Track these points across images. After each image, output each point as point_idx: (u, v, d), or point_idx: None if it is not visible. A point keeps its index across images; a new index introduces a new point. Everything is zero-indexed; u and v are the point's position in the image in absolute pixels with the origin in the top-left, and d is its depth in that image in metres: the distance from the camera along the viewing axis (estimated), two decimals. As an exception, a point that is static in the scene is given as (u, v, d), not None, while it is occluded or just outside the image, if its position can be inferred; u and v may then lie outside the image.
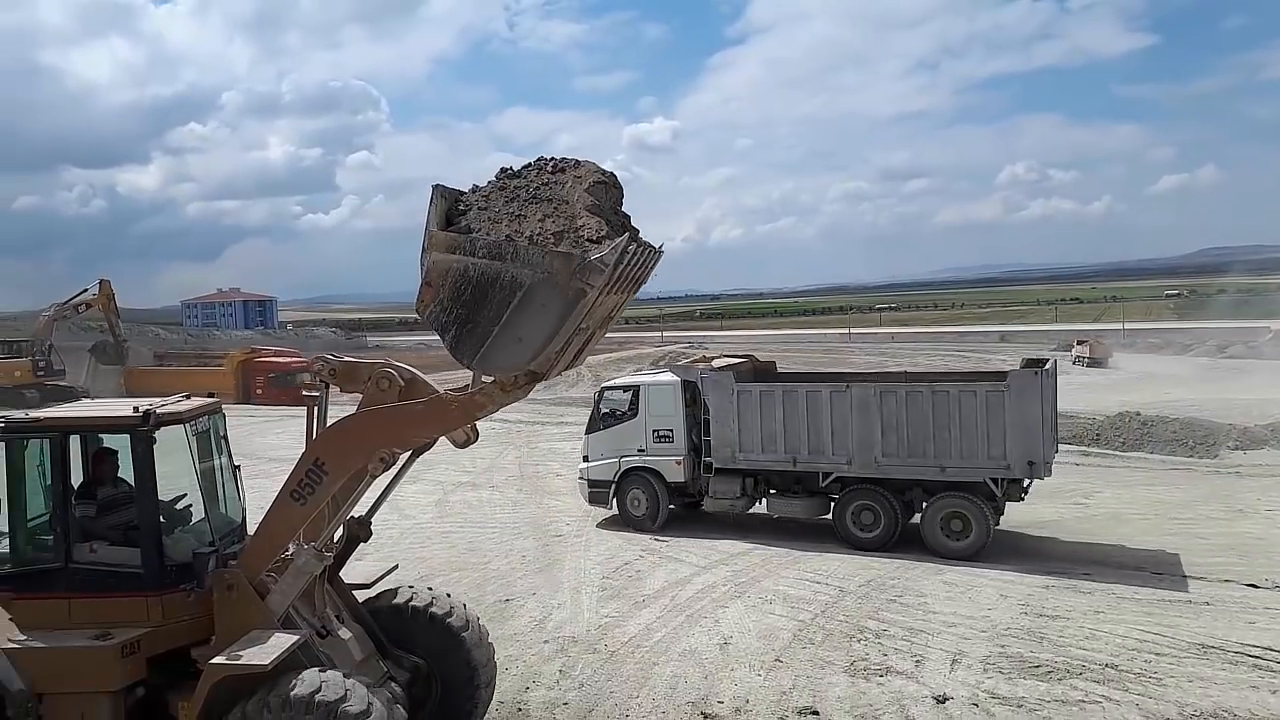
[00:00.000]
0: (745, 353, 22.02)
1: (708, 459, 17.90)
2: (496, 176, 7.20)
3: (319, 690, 6.89)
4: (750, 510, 18.50)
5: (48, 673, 7.39)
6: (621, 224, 7.03)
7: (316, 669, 7.23)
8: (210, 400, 8.62)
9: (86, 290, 45.54)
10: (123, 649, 7.47)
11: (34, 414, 8.31)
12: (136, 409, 7.74)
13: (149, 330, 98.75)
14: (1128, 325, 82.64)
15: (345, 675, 7.25)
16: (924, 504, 16.48)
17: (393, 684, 8.28)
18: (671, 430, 18.27)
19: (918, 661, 11.28)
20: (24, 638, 7.57)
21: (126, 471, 8.07)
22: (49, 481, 7.91)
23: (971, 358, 65.85)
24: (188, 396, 8.57)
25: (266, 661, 6.96)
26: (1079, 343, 62.94)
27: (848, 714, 9.94)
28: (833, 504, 17.24)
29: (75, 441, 8.09)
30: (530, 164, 7.25)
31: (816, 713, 9.98)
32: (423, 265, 6.72)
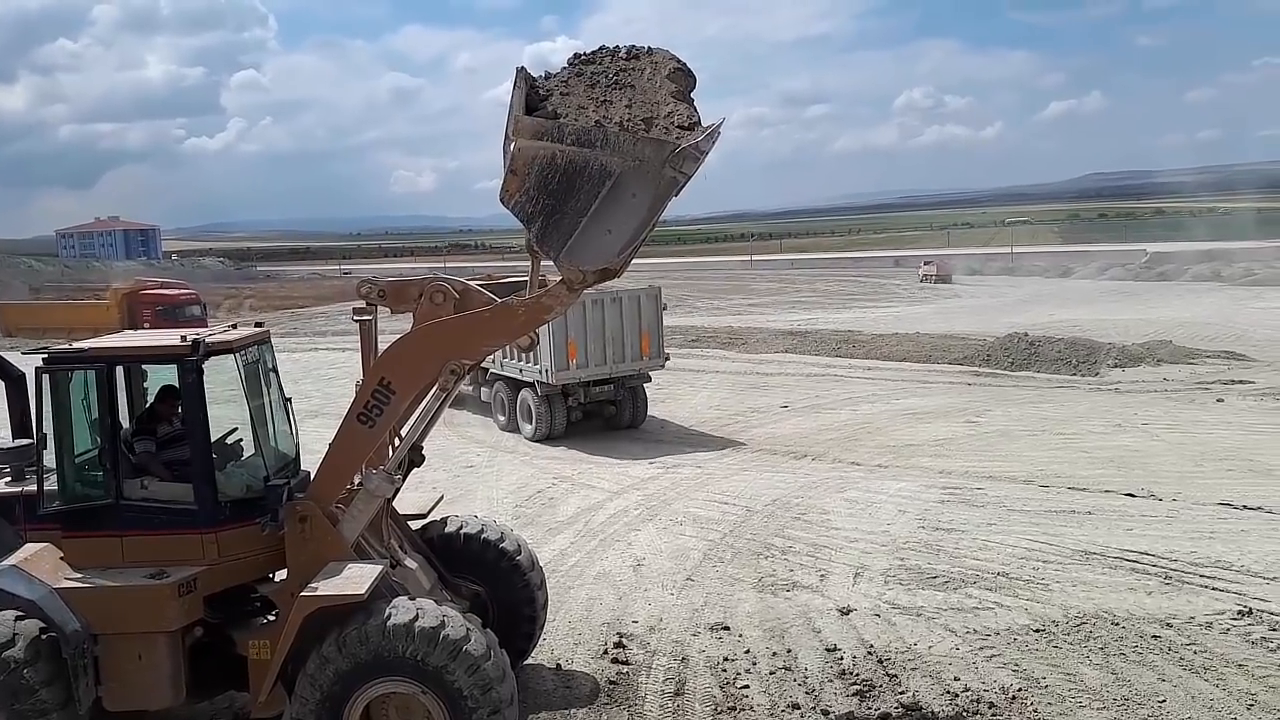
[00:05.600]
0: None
1: None
2: (570, 62, 6.93)
3: (417, 618, 6.78)
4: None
5: (102, 612, 7.15)
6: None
7: (405, 597, 7.11)
8: (259, 330, 8.26)
9: None
10: (179, 588, 7.24)
11: (78, 344, 7.83)
12: (184, 338, 7.44)
13: (21, 262, 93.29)
14: (1016, 249, 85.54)
15: (437, 602, 7.14)
16: (515, 396, 21.34)
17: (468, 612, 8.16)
18: None
19: (822, 576, 11.72)
20: (77, 577, 7.30)
21: None
22: (95, 415, 7.55)
23: (867, 283, 67.63)
24: (234, 326, 8.25)
25: (362, 590, 6.81)
26: (926, 263, 68.52)
27: (757, 628, 10.28)
28: None
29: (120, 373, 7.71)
30: (601, 49, 6.98)
31: (727, 628, 10.29)
32: (506, 152, 6.44)
